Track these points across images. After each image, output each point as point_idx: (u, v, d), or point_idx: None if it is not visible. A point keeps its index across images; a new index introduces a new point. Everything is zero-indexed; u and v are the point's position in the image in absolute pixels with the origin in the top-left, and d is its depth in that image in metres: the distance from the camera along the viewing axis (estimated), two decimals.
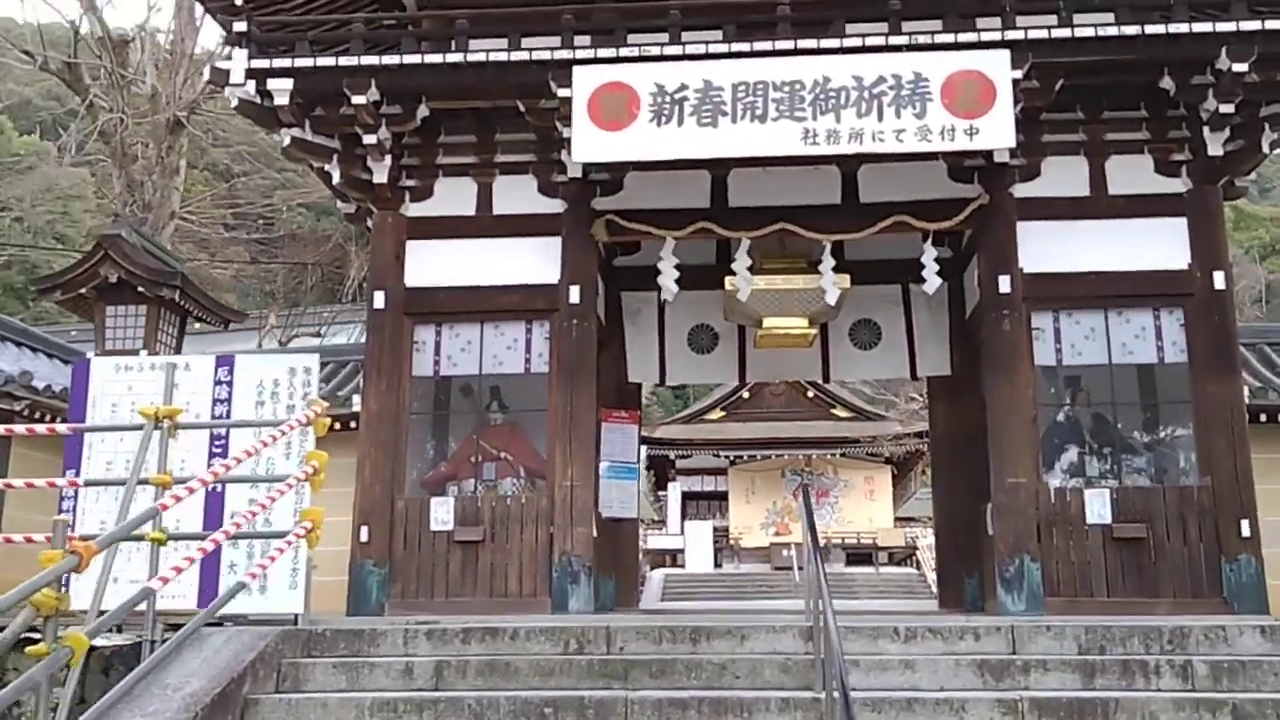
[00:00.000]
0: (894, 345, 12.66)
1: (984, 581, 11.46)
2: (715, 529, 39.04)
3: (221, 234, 24.85)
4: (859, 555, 37.73)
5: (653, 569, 37.18)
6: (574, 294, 10.92)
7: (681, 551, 37.96)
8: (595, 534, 11.35)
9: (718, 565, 37.59)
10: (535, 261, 11.12)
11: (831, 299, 10.95)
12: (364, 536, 10.56)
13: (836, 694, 5.16)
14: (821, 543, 31.28)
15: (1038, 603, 9.86)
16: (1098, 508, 10.20)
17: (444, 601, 10.43)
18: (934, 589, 15.84)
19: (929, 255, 10.83)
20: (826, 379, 12.94)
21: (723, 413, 40.68)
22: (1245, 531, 9.93)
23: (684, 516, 39.86)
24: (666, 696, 6.00)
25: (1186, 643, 6.64)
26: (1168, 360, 10.65)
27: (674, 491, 40.16)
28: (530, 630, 6.64)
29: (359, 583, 10.48)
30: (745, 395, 40.94)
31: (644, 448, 38.21)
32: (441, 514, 10.68)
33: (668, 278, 11.01)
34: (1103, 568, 10.09)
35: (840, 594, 32.09)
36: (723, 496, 40.45)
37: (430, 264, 11.21)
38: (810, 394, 40.40)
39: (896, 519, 39.69)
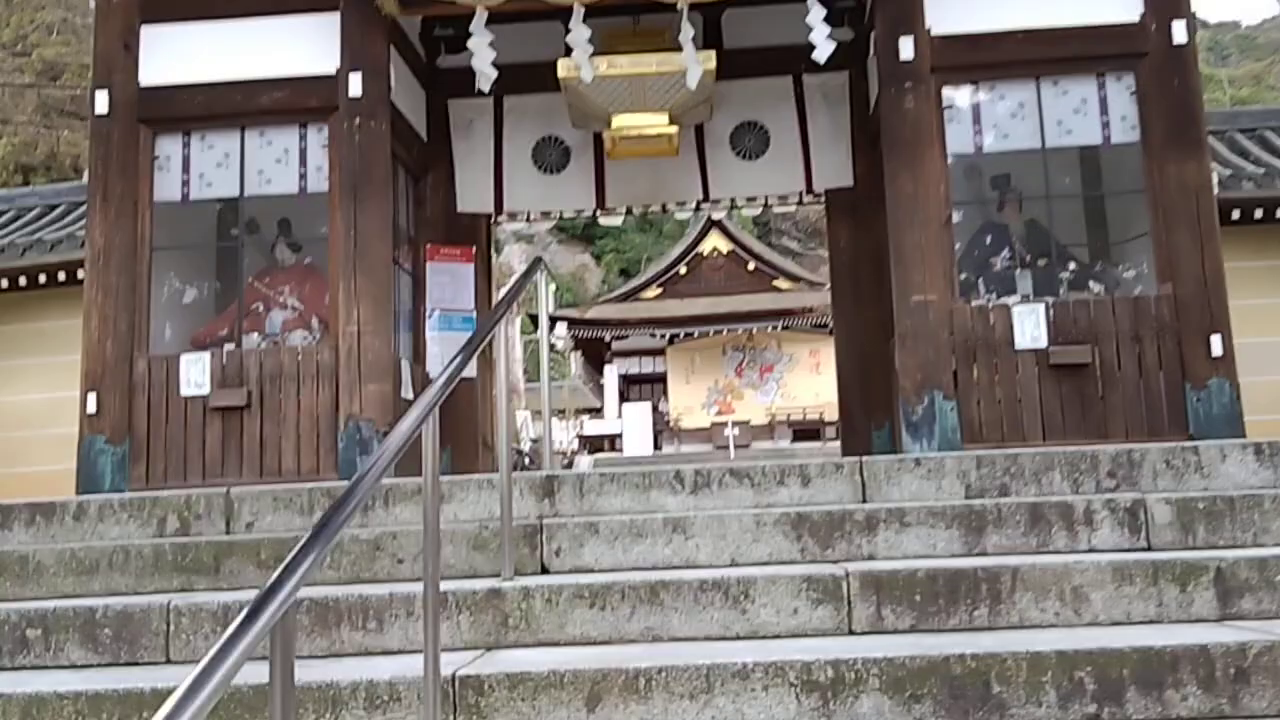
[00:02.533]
0: (785, 153, 10.24)
1: (894, 433, 9.30)
2: (655, 411, 37.01)
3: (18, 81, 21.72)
4: (805, 431, 35.92)
5: (592, 455, 35.31)
6: (354, 84, 8.43)
7: (620, 436, 35.98)
8: (411, 395, 9.09)
9: (658, 448, 35.65)
10: (308, 47, 8.59)
11: (693, 80, 8.51)
12: (91, 406, 8.22)
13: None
14: (766, 420, 29.31)
15: (953, 452, 7.69)
16: (1029, 328, 7.99)
17: (200, 484, 8.15)
18: None
19: (816, 15, 8.36)
20: (706, 197, 10.53)
21: (659, 289, 38.41)
22: (1216, 349, 7.76)
23: (622, 400, 37.79)
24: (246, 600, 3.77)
25: (1137, 475, 4.45)
26: (1115, 141, 8.34)
27: (610, 375, 38.06)
28: (109, 505, 4.38)
29: (88, 465, 8.17)
30: (683, 270, 38.71)
31: (572, 329, 36.14)
32: (195, 374, 8.33)
33: (482, 60, 8.49)
34: (1037, 404, 7.92)
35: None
36: (661, 378, 38.31)
37: (172, 55, 8.65)
38: (751, 265, 38.17)
39: None
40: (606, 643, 3.81)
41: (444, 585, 3.76)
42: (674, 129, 9.11)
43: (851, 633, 3.96)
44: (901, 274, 8.10)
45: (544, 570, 4.02)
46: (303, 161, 8.67)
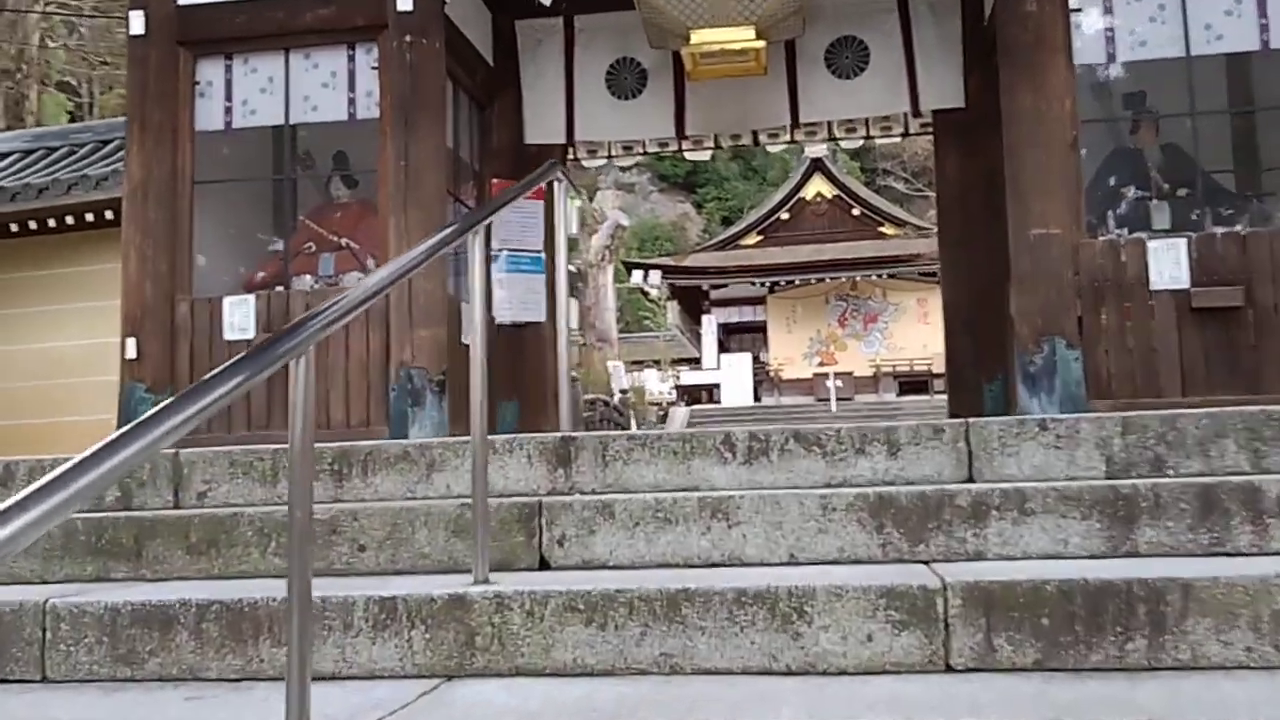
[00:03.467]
0: (887, 70, 9.16)
1: (1009, 388, 8.30)
2: (755, 361, 36.02)
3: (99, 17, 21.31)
4: (912, 383, 34.57)
5: (689, 406, 34.58)
6: None
7: (718, 387, 35.14)
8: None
9: (757, 399, 34.71)
10: None
11: None
12: (131, 351, 7.70)
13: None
14: (871, 372, 28.17)
15: (1076, 409, 6.69)
16: (1167, 267, 6.90)
17: (247, 435, 7.58)
18: None
19: None
20: (796, 122, 9.52)
21: (760, 236, 37.27)
22: None
23: (721, 350, 36.87)
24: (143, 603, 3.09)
25: None
26: (1276, 45, 7.13)
27: (709, 324, 37.12)
28: (39, 468, 3.71)
29: (129, 415, 7.62)
30: (784, 216, 37.52)
31: (668, 277, 35.17)
32: (238, 318, 7.74)
33: None
34: (1175, 353, 6.85)
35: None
36: (762, 327, 37.22)
37: None
38: (855, 211, 36.76)
39: None
40: (608, 673, 2.84)
41: (398, 587, 2.90)
42: (761, 44, 8.13)
43: (949, 670, 2.83)
44: (1019, 204, 7.07)
45: (543, 565, 3.13)
46: (351, 86, 7.96)
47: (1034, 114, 7.05)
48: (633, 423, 23.42)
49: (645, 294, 39.76)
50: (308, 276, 8.34)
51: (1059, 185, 6.99)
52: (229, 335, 7.71)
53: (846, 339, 35.94)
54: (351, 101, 7.95)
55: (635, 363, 37.31)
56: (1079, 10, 7.21)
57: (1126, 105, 7.96)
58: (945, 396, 32.61)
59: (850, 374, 34.11)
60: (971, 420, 3.34)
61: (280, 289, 8.01)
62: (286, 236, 8.37)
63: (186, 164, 7.93)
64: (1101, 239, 7.12)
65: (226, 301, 7.77)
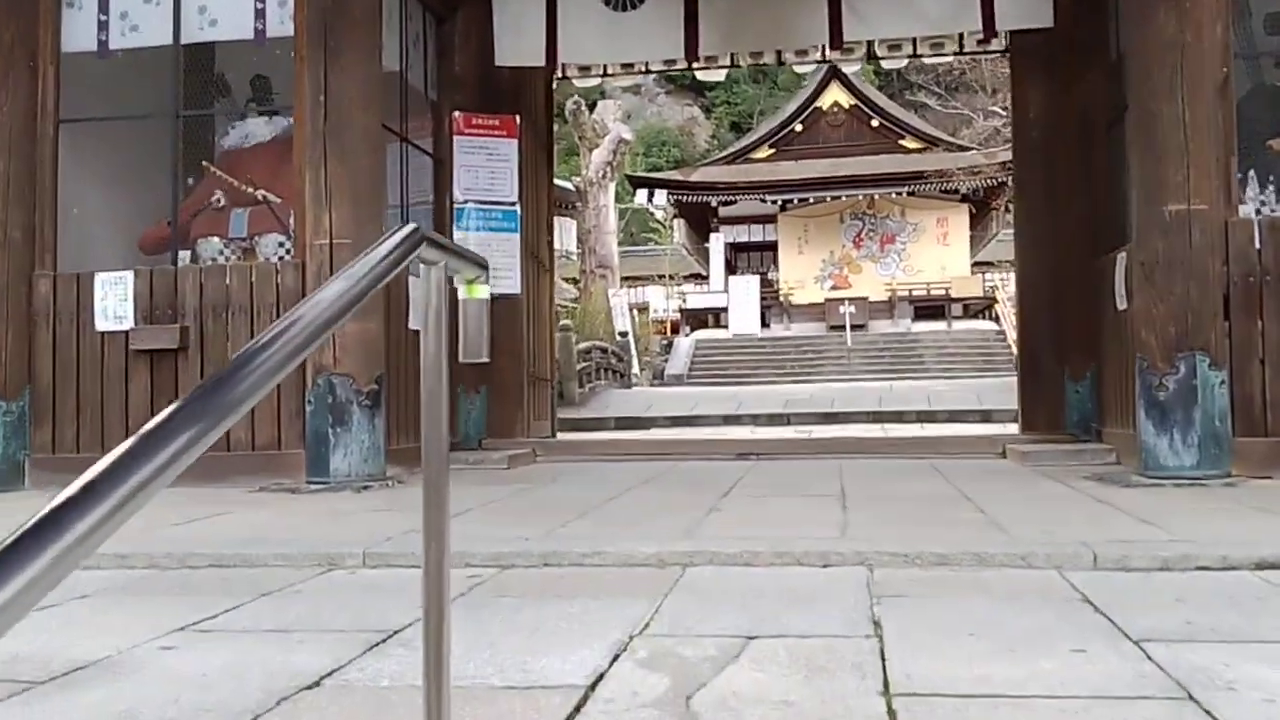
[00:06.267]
0: None
1: (1102, 392, 6.58)
2: (764, 283, 34.04)
3: None
4: (929, 309, 32.66)
5: (692, 330, 32.78)
6: None
7: (725, 310, 33.24)
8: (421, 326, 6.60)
9: (765, 325, 32.85)
10: None
11: None
12: None
13: None
14: (886, 296, 26.12)
15: (1220, 451, 4.96)
16: None
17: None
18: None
19: None
20: (836, 43, 7.57)
21: (771, 149, 34.99)
22: None
23: (729, 270, 34.89)
24: None
25: None
26: None
27: (716, 243, 35.04)
28: None
29: None
30: (798, 128, 35.21)
31: (674, 193, 33.00)
32: (112, 302, 5.97)
33: None
34: None
35: (903, 369, 27.00)
36: (772, 247, 35.15)
37: None
38: (875, 123, 34.45)
39: (974, 264, 34.15)
40: None
41: None
42: None
43: None
44: (1149, 167, 5.23)
45: None
46: None
47: (1171, 45, 5.17)
48: (634, 363, 21.66)
49: (651, 212, 37.70)
50: (215, 239, 6.55)
51: (1205, 143, 5.14)
52: (102, 325, 5.95)
53: (861, 260, 33.90)
54: (259, 14, 6.06)
55: (639, 278, 35.41)
56: None
57: (1270, 29, 6.10)
58: (964, 324, 30.35)
59: (865, 299, 32.19)
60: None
61: (171, 263, 6.23)
62: (176, 187, 6.54)
63: (49, 98, 6.09)
64: (1260, 217, 5.32)
65: (98, 279, 5.99)
